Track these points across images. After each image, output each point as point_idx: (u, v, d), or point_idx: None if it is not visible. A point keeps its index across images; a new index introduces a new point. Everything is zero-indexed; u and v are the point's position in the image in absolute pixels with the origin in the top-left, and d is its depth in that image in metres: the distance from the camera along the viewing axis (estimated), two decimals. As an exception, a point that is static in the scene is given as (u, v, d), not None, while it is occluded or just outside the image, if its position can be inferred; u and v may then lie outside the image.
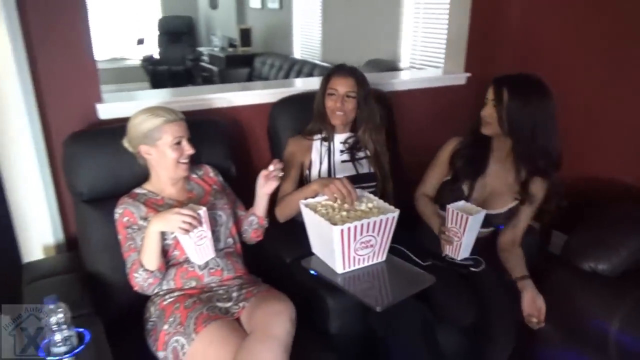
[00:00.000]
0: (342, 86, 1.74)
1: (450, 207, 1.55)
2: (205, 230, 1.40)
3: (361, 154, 1.84)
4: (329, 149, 1.82)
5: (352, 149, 1.83)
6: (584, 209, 1.88)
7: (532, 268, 1.79)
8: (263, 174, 1.59)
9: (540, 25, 2.43)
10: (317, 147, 1.83)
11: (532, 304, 1.56)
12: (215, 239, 1.52)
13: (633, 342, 1.49)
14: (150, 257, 1.40)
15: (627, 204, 1.98)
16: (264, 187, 1.61)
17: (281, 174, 1.59)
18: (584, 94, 2.28)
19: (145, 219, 1.46)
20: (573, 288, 1.67)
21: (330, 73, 1.79)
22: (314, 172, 1.82)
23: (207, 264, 1.48)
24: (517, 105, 1.55)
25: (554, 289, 1.71)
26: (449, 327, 1.59)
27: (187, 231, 1.34)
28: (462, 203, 1.60)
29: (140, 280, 1.41)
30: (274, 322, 1.25)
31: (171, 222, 1.34)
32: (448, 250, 1.60)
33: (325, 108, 1.79)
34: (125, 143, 1.54)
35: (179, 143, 1.48)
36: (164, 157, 1.48)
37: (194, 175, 1.64)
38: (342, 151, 1.83)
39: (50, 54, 1.64)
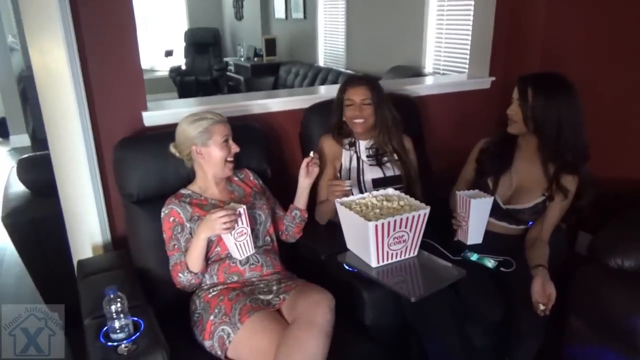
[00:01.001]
0: (358, 95, 1.84)
1: (459, 193, 1.64)
2: (245, 227, 1.49)
3: (386, 158, 1.92)
4: (356, 154, 1.92)
5: (377, 155, 1.92)
6: (611, 210, 1.91)
7: (559, 267, 1.82)
8: (305, 161, 1.71)
9: (565, 27, 2.45)
10: (347, 152, 1.93)
11: (541, 290, 1.56)
12: (255, 236, 1.62)
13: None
14: (197, 261, 1.51)
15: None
16: (306, 177, 1.72)
17: (318, 162, 1.72)
18: (613, 94, 2.29)
19: (191, 219, 1.56)
20: (600, 284, 1.69)
21: (345, 85, 1.89)
22: (344, 175, 1.91)
23: (247, 259, 1.57)
24: (541, 102, 1.61)
25: (580, 286, 1.74)
26: (477, 322, 1.64)
27: (229, 229, 1.44)
28: (474, 191, 1.68)
29: (184, 281, 1.52)
30: (315, 311, 1.33)
31: (215, 226, 1.44)
32: (459, 235, 1.68)
33: (345, 119, 1.88)
34: (172, 149, 1.65)
35: (226, 141, 1.60)
36: (214, 156, 1.60)
37: (236, 178, 1.75)
38: (368, 156, 1.92)
39: (101, 65, 1.77)
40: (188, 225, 1.56)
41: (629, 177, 2.27)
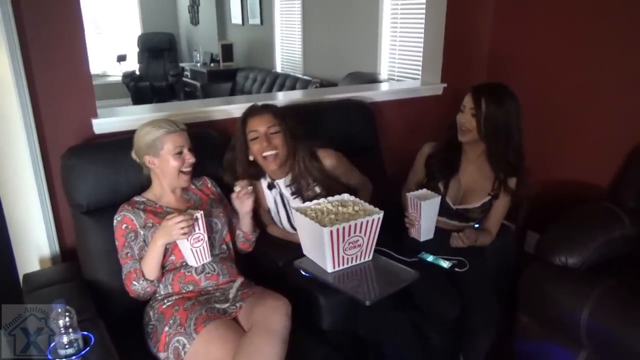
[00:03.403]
0: (262, 125, 1.66)
1: (409, 194, 1.71)
2: (202, 233, 1.47)
3: (310, 192, 1.75)
4: (281, 197, 1.80)
5: (299, 191, 1.75)
6: (557, 210, 2.01)
7: (509, 266, 1.90)
8: (233, 197, 1.66)
9: (511, 38, 2.58)
10: (269, 193, 1.80)
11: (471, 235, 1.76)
12: (210, 244, 1.59)
13: (601, 329, 1.60)
14: (154, 269, 1.49)
15: (595, 204, 2.11)
16: (241, 207, 1.68)
17: (251, 189, 1.64)
18: (554, 102, 2.42)
19: (144, 226, 1.53)
20: (546, 281, 1.78)
21: (245, 117, 1.70)
22: (275, 217, 1.85)
23: (203, 268, 1.55)
24: (494, 111, 1.68)
25: (528, 283, 1.83)
26: (433, 321, 1.68)
27: (187, 234, 1.42)
28: (423, 191, 1.76)
29: (139, 289, 1.49)
30: (272, 318, 1.33)
31: (172, 232, 1.41)
32: (412, 233, 1.75)
33: (254, 156, 1.70)
34: (133, 155, 1.62)
35: (180, 152, 1.57)
36: (167, 166, 1.56)
37: (193, 186, 1.72)
38: (292, 193, 1.77)
39: (47, 70, 1.70)
40: (141, 233, 1.53)
41: (575, 179, 2.40)
